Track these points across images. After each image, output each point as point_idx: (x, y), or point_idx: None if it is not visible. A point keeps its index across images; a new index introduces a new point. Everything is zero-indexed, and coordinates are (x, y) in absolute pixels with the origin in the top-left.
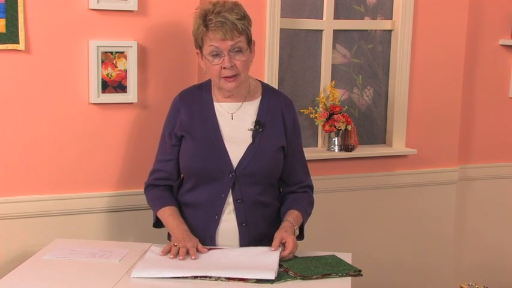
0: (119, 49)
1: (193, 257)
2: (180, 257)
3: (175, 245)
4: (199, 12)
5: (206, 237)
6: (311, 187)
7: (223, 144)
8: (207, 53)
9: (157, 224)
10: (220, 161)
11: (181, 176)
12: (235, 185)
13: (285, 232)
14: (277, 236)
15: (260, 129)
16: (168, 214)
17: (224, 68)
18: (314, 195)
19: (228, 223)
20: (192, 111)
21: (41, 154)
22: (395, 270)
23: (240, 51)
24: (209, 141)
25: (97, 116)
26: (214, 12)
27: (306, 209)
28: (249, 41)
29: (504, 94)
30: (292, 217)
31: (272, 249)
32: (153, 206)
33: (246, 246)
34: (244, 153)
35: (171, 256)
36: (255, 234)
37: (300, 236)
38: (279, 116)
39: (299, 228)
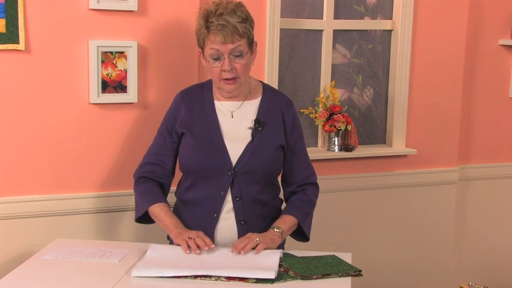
0: (119, 49)
1: (212, 246)
2: (206, 248)
3: (190, 237)
4: (201, 12)
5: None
6: (312, 184)
7: (223, 142)
8: (207, 55)
9: (142, 218)
10: (219, 158)
11: (174, 175)
12: (234, 183)
13: (250, 236)
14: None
15: (260, 128)
16: (165, 211)
17: (224, 70)
18: None
19: (227, 221)
20: (193, 109)
21: (40, 154)
22: (395, 270)
23: (240, 55)
24: (209, 138)
25: (97, 116)
26: (216, 14)
27: (301, 208)
28: (250, 43)
29: (504, 94)
30: (280, 223)
31: (231, 250)
32: (143, 200)
33: None
34: (243, 151)
35: (195, 249)
36: (254, 232)
37: (301, 236)
38: (278, 116)
39: (298, 229)
